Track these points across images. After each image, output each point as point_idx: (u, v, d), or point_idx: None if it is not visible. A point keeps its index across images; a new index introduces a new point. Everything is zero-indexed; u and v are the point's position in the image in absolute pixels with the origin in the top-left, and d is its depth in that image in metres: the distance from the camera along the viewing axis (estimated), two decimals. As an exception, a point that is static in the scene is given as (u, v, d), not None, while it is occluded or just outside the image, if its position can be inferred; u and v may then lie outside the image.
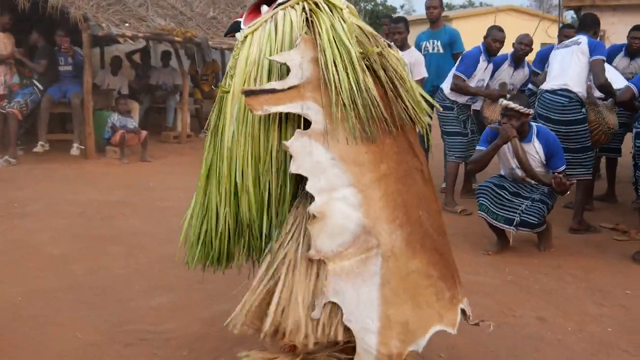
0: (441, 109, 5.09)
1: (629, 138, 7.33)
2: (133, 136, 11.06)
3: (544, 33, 10.27)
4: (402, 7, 57.56)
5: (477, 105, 8.32)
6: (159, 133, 13.41)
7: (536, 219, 5.94)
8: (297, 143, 2.81)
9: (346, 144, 2.88)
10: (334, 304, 2.81)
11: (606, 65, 6.93)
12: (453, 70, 7.96)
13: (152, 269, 5.53)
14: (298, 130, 2.87)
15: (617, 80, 7.22)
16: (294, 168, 2.82)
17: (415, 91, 3.21)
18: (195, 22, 12.96)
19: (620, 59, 8.46)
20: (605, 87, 6.79)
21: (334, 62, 2.91)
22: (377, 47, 3.11)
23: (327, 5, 3.11)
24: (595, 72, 6.75)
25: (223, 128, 3.12)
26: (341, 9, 3.11)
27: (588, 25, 7.25)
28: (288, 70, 2.93)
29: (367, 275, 2.82)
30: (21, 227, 6.77)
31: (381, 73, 3.06)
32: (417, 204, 3.08)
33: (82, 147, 11.04)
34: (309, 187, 2.79)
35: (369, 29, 3.21)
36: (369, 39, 3.13)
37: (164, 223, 6.95)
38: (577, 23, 8.26)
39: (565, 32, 8.81)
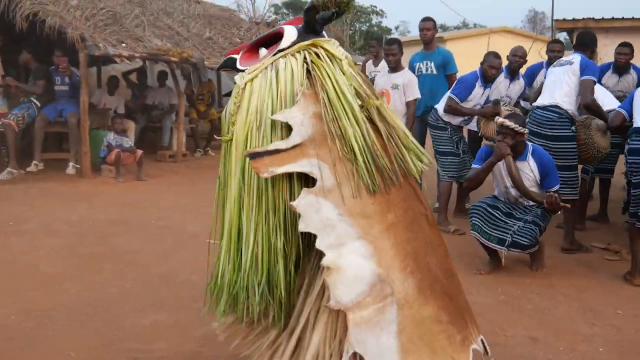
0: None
1: (622, 159, 7.38)
2: (129, 155, 11.09)
3: (537, 54, 10.35)
4: (396, 28, 57.86)
5: (472, 126, 8.36)
6: (155, 152, 13.47)
7: (527, 241, 5.97)
8: (303, 202, 2.82)
9: (352, 197, 2.89)
10: (354, 355, 2.81)
11: (597, 86, 7.01)
12: (448, 93, 8.01)
13: (145, 288, 5.53)
14: (304, 189, 2.87)
15: (609, 101, 7.31)
16: (302, 227, 2.82)
17: (408, 138, 3.23)
18: (191, 42, 13.05)
19: (609, 77, 8.57)
20: (591, 108, 6.82)
21: (338, 116, 2.94)
22: (375, 99, 3.16)
23: (327, 55, 3.13)
24: (582, 91, 6.81)
25: (228, 177, 3.15)
26: (340, 60, 3.14)
27: (585, 44, 7.33)
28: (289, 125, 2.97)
29: (385, 323, 2.83)
30: (16, 245, 6.77)
31: (379, 124, 3.10)
32: (425, 250, 3.11)
33: (78, 166, 11.08)
34: (318, 245, 2.79)
35: (363, 78, 3.24)
36: (365, 88, 3.17)
37: (158, 242, 6.99)
38: (568, 44, 8.36)
39: (551, 47, 8.98)
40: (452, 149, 8.03)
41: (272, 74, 3.07)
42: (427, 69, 8.95)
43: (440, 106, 8.04)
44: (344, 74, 3.09)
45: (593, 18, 17.16)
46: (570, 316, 5.17)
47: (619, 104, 7.37)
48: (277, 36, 3.27)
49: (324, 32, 3.30)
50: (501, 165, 6.14)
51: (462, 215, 8.25)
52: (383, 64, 9.49)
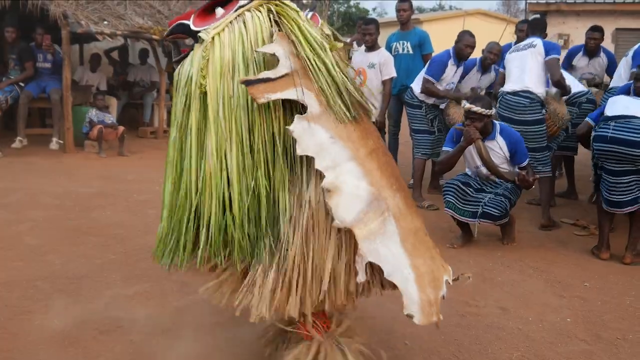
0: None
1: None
2: (111, 131, 11.16)
3: (511, 36, 10.44)
4: (374, 9, 57.64)
5: (444, 105, 8.51)
6: (137, 128, 13.53)
7: (498, 212, 6.11)
8: (298, 127, 2.92)
9: (338, 123, 3.00)
10: (370, 264, 2.95)
11: (562, 71, 7.26)
12: (422, 73, 8.15)
13: (128, 259, 5.60)
14: (297, 115, 2.96)
15: (573, 86, 7.53)
16: (300, 150, 2.91)
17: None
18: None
19: (580, 59, 8.74)
20: (561, 83, 7.10)
21: (313, 53, 3.03)
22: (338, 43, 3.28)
23: (287, 7, 3.21)
24: (551, 70, 7.06)
25: (204, 127, 3.10)
26: (297, 11, 3.22)
27: (540, 28, 7.62)
28: (267, 65, 3.05)
29: (389, 233, 2.95)
30: (0, 218, 6.81)
31: (342, 65, 3.21)
32: (397, 174, 3.24)
33: (61, 141, 11.13)
34: (317, 166, 2.90)
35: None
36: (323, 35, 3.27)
37: (140, 215, 7.07)
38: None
39: (520, 27, 9.27)
40: (426, 127, 8.19)
41: (241, 25, 3.11)
42: (403, 49, 9.07)
43: (416, 85, 8.16)
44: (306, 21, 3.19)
45: (565, 1, 17.36)
46: (540, 288, 5.30)
47: (582, 87, 7.65)
48: None
49: None
50: (471, 147, 6.25)
51: (436, 191, 8.40)
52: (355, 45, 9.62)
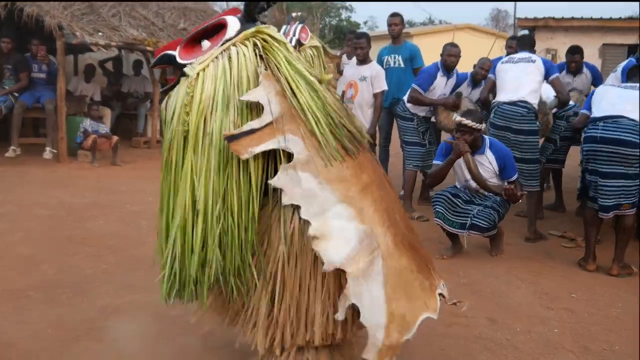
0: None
1: (573, 151, 7.73)
2: (104, 141, 11.18)
3: (499, 50, 10.55)
4: (365, 23, 57.63)
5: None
6: (130, 139, 13.57)
7: (486, 224, 6.18)
8: (283, 177, 2.92)
9: (326, 166, 2.98)
10: (350, 306, 2.95)
11: (544, 84, 7.45)
12: (413, 84, 8.22)
13: (120, 270, 5.62)
14: (282, 165, 2.94)
15: (549, 95, 7.71)
16: (285, 200, 2.92)
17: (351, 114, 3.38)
18: (166, 32, 13.10)
19: (564, 77, 8.79)
20: (567, 101, 7.46)
21: (300, 92, 3.02)
22: (325, 74, 3.29)
23: (273, 40, 3.17)
24: (558, 88, 7.33)
25: (182, 162, 3.06)
26: (284, 43, 3.19)
27: (529, 44, 7.79)
28: (250, 106, 3.03)
29: (374, 275, 2.95)
30: (-7, 228, 6.79)
31: (333, 97, 3.22)
32: (393, 206, 3.26)
33: (55, 151, 11.17)
34: (303, 215, 2.91)
35: (305, 58, 3.35)
36: (310, 68, 3.24)
37: (133, 226, 7.08)
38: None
39: (510, 43, 9.46)
40: (417, 140, 8.26)
41: (225, 62, 3.07)
42: (394, 62, 9.14)
43: (406, 98, 8.24)
44: (291, 53, 3.17)
45: (553, 17, 17.55)
46: (528, 299, 5.33)
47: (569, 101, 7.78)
48: (217, 27, 3.27)
49: (258, 21, 3.32)
50: (461, 161, 6.31)
51: (426, 202, 8.45)
52: (345, 59, 9.72)
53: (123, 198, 8.55)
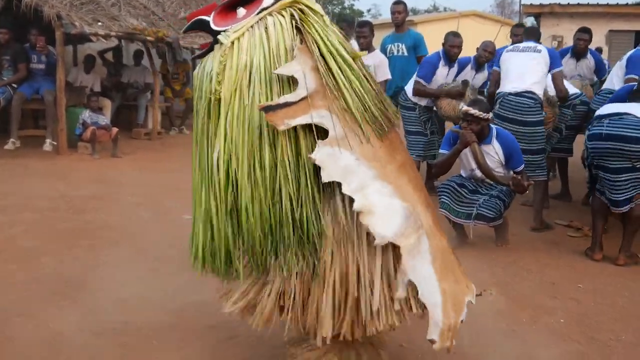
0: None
1: (579, 140, 7.62)
2: (104, 132, 11.12)
3: (505, 38, 10.47)
4: (368, 10, 57.68)
5: (437, 107, 8.54)
6: (130, 130, 13.51)
7: (492, 213, 6.14)
8: (321, 153, 2.85)
9: (361, 143, 2.93)
10: (409, 282, 2.90)
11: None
12: (414, 76, 8.20)
13: (122, 262, 5.58)
14: (319, 141, 2.88)
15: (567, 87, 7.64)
16: (325, 177, 2.85)
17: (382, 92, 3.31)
18: (166, 22, 13.06)
19: (567, 61, 8.79)
20: (566, 97, 7.40)
21: (336, 69, 2.97)
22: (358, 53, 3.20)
23: (311, 11, 3.10)
24: (557, 83, 7.27)
25: (214, 135, 3.05)
26: (322, 15, 3.13)
27: (535, 35, 7.77)
28: (288, 78, 2.96)
29: (423, 252, 2.92)
30: (-7, 221, 6.78)
31: (367, 74, 3.16)
32: (424, 187, 3.24)
33: (55, 143, 11.11)
34: (344, 190, 2.84)
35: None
36: (346, 43, 3.19)
37: (134, 217, 7.06)
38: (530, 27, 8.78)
39: (515, 31, 9.49)
40: (419, 129, 8.25)
41: (262, 31, 3.01)
42: (398, 51, 9.10)
43: (409, 87, 8.21)
44: (328, 27, 3.10)
45: (559, 3, 17.51)
46: (533, 290, 5.32)
47: (575, 89, 7.76)
48: None
49: None
50: (467, 151, 6.27)
51: (431, 192, 8.39)
52: (353, 44, 9.61)
53: (124, 190, 8.53)
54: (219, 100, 3.00)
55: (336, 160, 2.86)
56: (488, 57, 8.48)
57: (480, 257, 6.07)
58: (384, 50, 9.17)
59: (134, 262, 5.57)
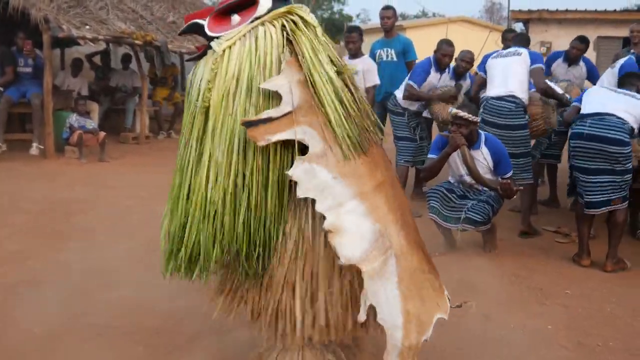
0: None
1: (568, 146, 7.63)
2: (91, 137, 11.08)
3: (494, 43, 10.53)
4: (358, 16, 57.52)
5: (427, 113, 8.53)
6: (118, 134, 13.44)
7: (480, 217, 6.15)
8: (298, 170, 2.88)
9: (341, 160, 2.95)
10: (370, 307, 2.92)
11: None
12: (406, 80, 8.17)
13: (109, 265, 5.55)
14: (298, 157, 2.91)
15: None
16: (300, 193, 2.88)
17: (369, 107, 3.33)
18: (155, 26, 13.04)
19: (559, 65, 8.82)
20: (547, 91, 7.29)
21: (321, 84, 2.99)
22: (349, 66, 3.24)
23: (303, 23, 3.14)
24: (535, 79, 7.21)
25: (201, 140, 3.09)
26: (315, 27, 3.16)
27: (524, 41, 7.80)
28: (270, 93, 3.00)
29: (388, 274, 2.92)
30: (-21, 224, 6.74)
31: (353, 91, 3.19)
32: (404, 206, 3.24)
33: (42, 147, 11.06)
34: (318, 208, 2.86)
35: (334, 46, 3.31)
36: (338, 57, 3.22)
37: (122, 221, 7.03)
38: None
39: (506, 36, 9.51)
40: (408, 135, 8.23)
41: (252, 42, 3.05)
42: (387, 56, 9.11)
43: (399, 92, 8.20)
44: (319, 41, 3.13)
45: (547, 9, 17.60)
46: (521, 295, 5.34)
47: (560, 90, 7.74)
48: (248, 1, 3.23)
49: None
50: (456, 155, 6.28)
51: (419, 198, 8.41)
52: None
53: (112, 193, 8.51)
54: (208, 107, 3.04)
55: (313, 178, 2.89)
56: (466, 67, 8.48)
57: (468, 262, 6.07)
58: (373, 55, 9.17)
59: (122, 265, 5.54)
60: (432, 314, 3.09)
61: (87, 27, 11.34)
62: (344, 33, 9.17)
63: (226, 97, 3.01)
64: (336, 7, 48.18)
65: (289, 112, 2.94)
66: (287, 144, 3.00)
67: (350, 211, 2.91)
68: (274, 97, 3.00)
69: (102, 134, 11.21)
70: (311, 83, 2.99)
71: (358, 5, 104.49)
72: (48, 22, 10.64)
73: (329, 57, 3.12)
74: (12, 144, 11.24)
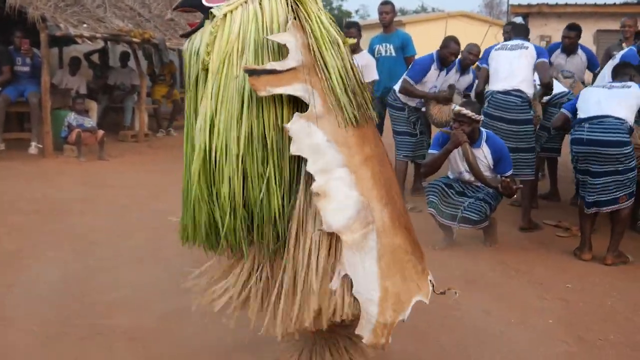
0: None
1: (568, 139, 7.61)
2: (90, 135, 11.04)
3: (493, 38, 10.49)
4: (356, 11, 57.63)
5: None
6: (117, 132, 13.39)
7: (477, 216, 6.15)
8: (296, 126, 2.89)
9: (337, 127, 2.96)
10: (345, 276, 2.92)
11: None
12: (404, 75, 8.14)
13: (108, 265, 5.54)
14: (297, 113, 2.92)
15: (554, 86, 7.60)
16: (293, 149, 2.89)
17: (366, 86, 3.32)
18: (153, 23, 13.00)
19: (558, 56, 8.80)
20: (549, 86, 7.27)
21: (325, 49, 2.98)
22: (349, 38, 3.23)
23: None
24: (541, 72, 7.19)
25: (199, 106, 3.10)
26: (316, 1, 3.15)
27: (524, 32, 7.84)
28: (279, 51, 2.99)
29: (368, 249, 2.94)
30: (-23, 223, 6.73)
31: (352, 63, 3.17)
32: (391, 184, 3.21)
33: (40, 146, 11.02)
34: (309, 168, 2.88)
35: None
36: (337, 28, 3.20)
37: (121, 220, 7.01)
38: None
39: (507, 29, 9.60)
40: (408, 129, 8.20)
41: (256, 6, 3.03)
42: (386, 51, 9.09)
43: (398, 87, 8.17)
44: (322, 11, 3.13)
45: (547, 3, 17.60)
46: (522, 290, 5.32)
47: (563, 88, 7.77)
48: None
49: None
50: (456, 152, 6.27)
51: (417, 193, 8.40)
52: None
53: (110, 192, 8.48)
54: (207, 71, 3.03)
55: (308, 136, 2.90)
56: (473, 60, 8.46)
57: (468, 257, 6.07)
58: (372, 51, 9.17)
59: (120, 265, 5.54)
60: (412, 294, 3.10)
61: (85, 25, 11.31)
62: (343, 29, 9.13)
63: (229, 58, 3.00)
64: (335, 2, 48.26)
65: (293, 68, 2.93)
66: (290, 106, 3.00)
67: (338, 178, 2.93)
68: (281, 57, 2.99)
69: (101, 132, 11.18)
70: (317, 46, 2.98)
71: (357, 1, 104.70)
72: (45, 20, 10.60)
73: (332, 26, 3.13)
74: (11, 143, 11.22)
